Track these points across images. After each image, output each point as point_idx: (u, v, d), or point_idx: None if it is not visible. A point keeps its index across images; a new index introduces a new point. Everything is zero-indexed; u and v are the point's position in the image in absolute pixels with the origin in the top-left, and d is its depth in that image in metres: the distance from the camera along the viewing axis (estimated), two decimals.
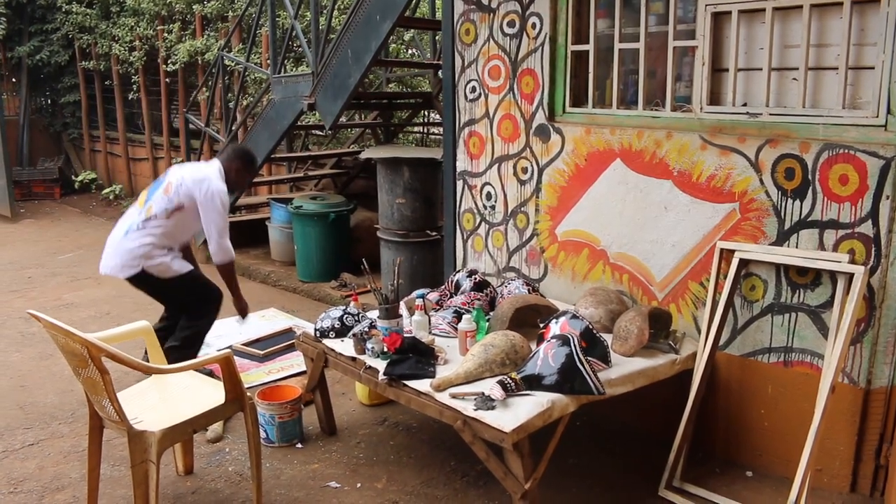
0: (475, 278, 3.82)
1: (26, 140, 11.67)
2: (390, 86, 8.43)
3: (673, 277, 3.48)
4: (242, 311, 4.31)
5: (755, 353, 3.28)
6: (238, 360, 4.48)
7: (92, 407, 2.89)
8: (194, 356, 3.76)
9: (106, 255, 3.90)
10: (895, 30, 2.77)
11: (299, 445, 3.61)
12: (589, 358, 2.83)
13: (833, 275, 3.01)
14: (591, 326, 3.03)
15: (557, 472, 3.27)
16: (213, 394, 2.99)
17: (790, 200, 3.09)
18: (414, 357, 3.09)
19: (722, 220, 3.28)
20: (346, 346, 3.38)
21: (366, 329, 3.33)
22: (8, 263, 7.41)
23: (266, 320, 5.46)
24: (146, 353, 3.32)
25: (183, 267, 4.06)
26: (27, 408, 4.05)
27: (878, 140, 2.85)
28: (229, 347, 4.75)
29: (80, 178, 11.30)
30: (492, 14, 4.02)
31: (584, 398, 2.80)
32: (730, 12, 3.22)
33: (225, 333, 5.15)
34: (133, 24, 9.78)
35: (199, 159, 7.99)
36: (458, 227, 4.45)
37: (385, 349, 3.19)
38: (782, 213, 3.12)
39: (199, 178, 3.89)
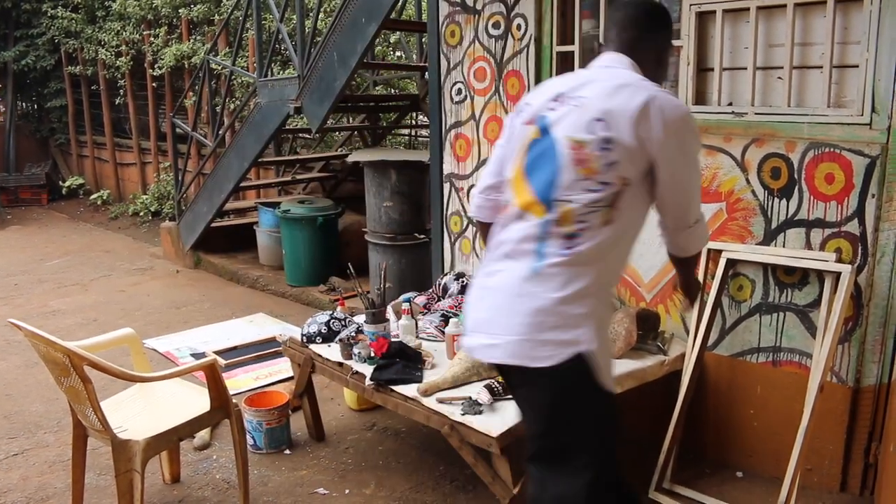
0: (463, 281, 3.81)
1: (13, 146, 11.59)
2: (377, 88, 8.41)
3: (661, 278, 3.47)
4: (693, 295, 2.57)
5: (744, 354, 3.27)
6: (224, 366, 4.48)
7: (75, 416, 2.86)
8: None
9: (490, 321, 2.02)
10: (878, 28, 2.76)
11: (287, 452, 3.58)
12: None
13: (820, 274, 3.00)
14: None
15: None
16: (198, 401, 2.96)
17: (776, 200, 3.09)
18: (401, 362, 3.08)
19: (709, 220, 3.27)
20: (333, 352, 3.36)
21: (353, 334, 3.31)
22: None
23: (254, 325, 5.44)
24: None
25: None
26: (12, 417, 4.01)
27: (864, 138, 2.85)
28: (202, 354, 4.73)
29: (67, 184, 11.22)
30: (477, 15, 4.00)
31: None
32: (714, 12, 3.21)
33: (211, 339, 5.13)
34: (119, 28, 9.72)
35: (185, 164, 7.97)
36: (445, 229, 4.43)
37: (372, 354, 3.17)
38: (769, 213, 3.11)
39: (634, 101, 1.90)
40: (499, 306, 1.99)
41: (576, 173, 1.92)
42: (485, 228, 2.27)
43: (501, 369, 2.15)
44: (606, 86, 1.96)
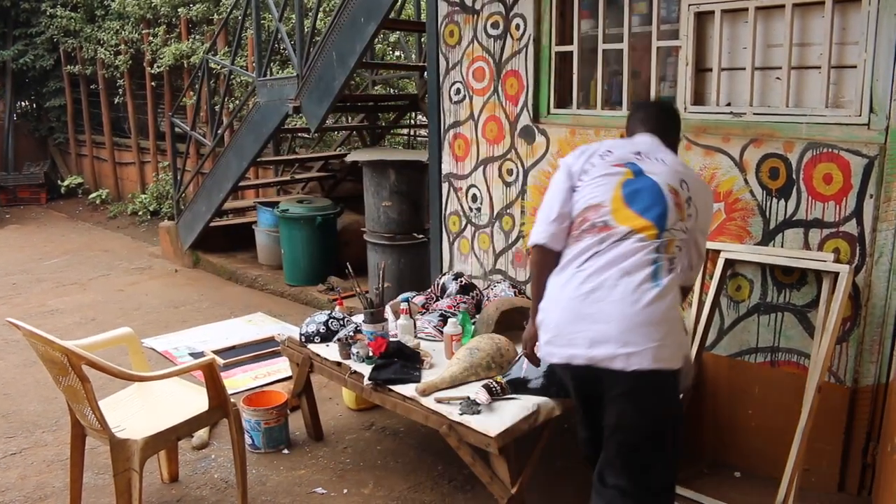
0: (461, 281, 3.81)
1: (11, 145, 11.59)
2: (376, 88, 8.41)
3: None
4: None
5: (742, 354, 3.27)
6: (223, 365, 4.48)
7: (74, 415, 2.86)
8: None
9: (624, 331, 2.20)
10: (876, 28, 2.77)
11: (286, 451, 3.58)
12: None
13: (818, 274, 3.01)
14: None
15: (545, 476, 3.26)
16: (197, 401, 2.96)
17: (775, 200, 3.09)
18: (399, 361, 3.08)
19: None
20: (331, 351, 3.36)
21: (351, 333, 3.31)
22: None
23: (253, 324, 5.44)
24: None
25: None
26: (10, 416, 4.00)
27: (862, 139, 2.85)
28: (201, 353, 4.73)
29: (66, 183, 11.22)
30: (476, 15, 4.00)
31: (570, 401, 2.78)
32: (713, 12, 3.22)
33: (210, 338, 5.13)
34: (118, 27, 9.72)
35: (184, 163, 7.97)
36: (444, 229, 4.43)
37: (370, 354, 3.17)
38: (767, 213, 3.11)
39: (697, 177, 2.56)
40: (631, 317, 2.20)
41: (676, 214, 2.33)
42: (550, 256, 2.42)
43: (600, 377, 2.27)
44: (674, 159, 2.48)
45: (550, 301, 2.36)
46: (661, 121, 2.61)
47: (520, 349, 3.05)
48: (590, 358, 2.23)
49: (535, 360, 2.65)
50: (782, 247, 3.09)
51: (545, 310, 2.37)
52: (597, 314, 2.23)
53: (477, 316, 3.51)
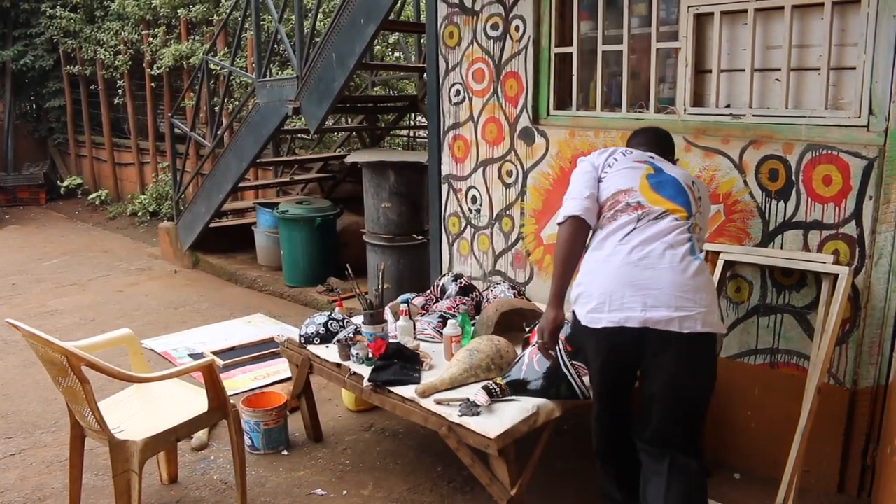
0: (461, 282, 3.81)
1: (11, 145, 11.58)
2: (376, 89, 8.41)
3: None
4: None
5: (741, 355, 3.27)
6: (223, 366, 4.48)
7: (73, 416, 2.86)
8: None
9: (675, 296, 2.33)
10: (876, 30, 2.77)
11: (285, 452, 3.58)
12: (574, 362, 2.82)
13: (818, 276, 3.01)
14: None
15: (544, 477, 3.26)
16: (196, 402, 2.96)
17: (774, 201, 3.09)
18: (399, 363, 3.07)
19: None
20: (330, 352, 3.36)
21: (350, 335, 3.31)
22: None
23: (252, 326, 5.43)
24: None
25: None
26: (9, 417, 4.00)
27: (861, 140, 2.86)
28: (200, 354, 4.73)
29: (65, 184, 11.22)
30: (475, 17, 4.00)
31: (569, 403, 2.79)
32: (712, 14, 3.22)
33: (209, 339, 5.13)
34: (118, 28, 9.72)
35: (184, 164, 7.97)
36: (443, 230, 4.43)
37: (370, 355, 3.17)
38: (767, 215, 3.11)
39: (699, 182, 2.78)
40: (681, 284, 2.35)
41: (694, 205, 2.56)
42: (583, 230, 2.54)
43: (646, 341, 2.37)
44: (681, 170, 2.75)
45: (592, 274, 2.48)
46: (659, 144, 2.84)
47: (519, 350, 3.06)
48: (644, 320, 2.32)
49: (548, 354, 2.68)
50: (782, 248, 3.09)
51: (585, 283, 2.48)
52: (649, 280, 2.35)
53: (476, 317, 3.51)
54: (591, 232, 2.58)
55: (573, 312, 2.55)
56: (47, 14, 10.49)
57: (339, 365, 3.26)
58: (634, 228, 2.45)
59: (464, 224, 4.30)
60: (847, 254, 2.94)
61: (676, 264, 2.37)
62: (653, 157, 2.67)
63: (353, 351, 3.23)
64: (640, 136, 2.89)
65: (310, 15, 5.93)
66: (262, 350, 4.87)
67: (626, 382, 2.60)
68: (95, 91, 10.68)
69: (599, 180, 2.60)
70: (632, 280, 2.37)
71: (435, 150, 4.37)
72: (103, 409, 2.67)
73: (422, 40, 7.04)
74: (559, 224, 2.58)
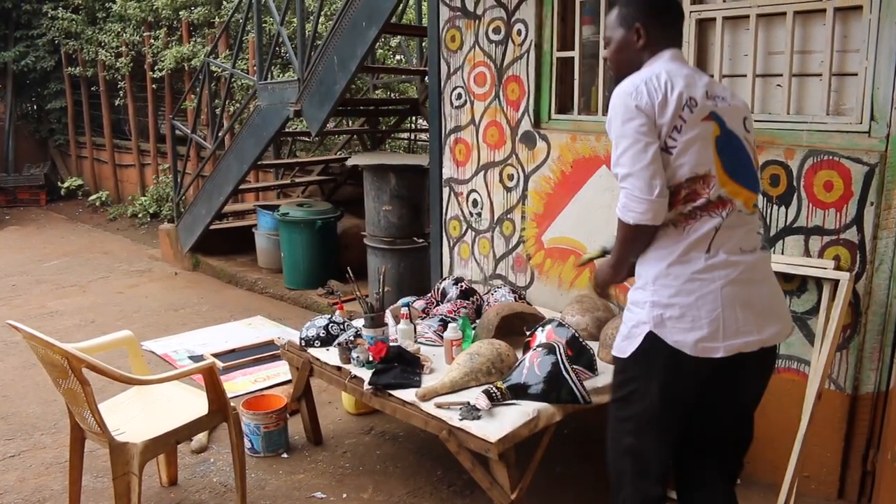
0: (461, 286, 3.81)
1: (11, 146, 11.60)
2: (377, 92, 8.42)
3: None
4: None
5: None
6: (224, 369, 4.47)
7: (73, 418, 2.86)
8: None
9: (757, 316, 2.12)
10: (877, 36, 2.77)
11: (285, 455, 3.58)
12: (575, 366, 2.82)
13: (819, 281, 3.01)
14: (577, 334, 3.02)
15: (545, 481, 3.25)
16: (196, 404, 2.95)
17: (775, 207, 3.09)
18: (399, 366, 3.07)
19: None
20: (331, 355, 3.36)
21: (351, 338, 3.31)
22: None
23: (253, 328, 5.43)
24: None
25: None
26: (9, 418, 4.00)
27: (862, 146, 2.86)
28: (200, 356, 4.73)
29: (66, 185, 11.22)
30: (477, 21, 4.01)
31: (570, 407, 2.78)
32: (714, 19, 3.22)
33: (209, 342, 5.13)
34: (119, 30, 9.74)
35: (185, 166, 7.97)
36: (444, 234, 4.43)
37: (370, 358, 3.16)
38: (768, 220, 3.12)
39: (738, 98, 2.25)
40: (777, 291, 2.21)
41: (756, 165, 2.19)
42: (649, 233, 2.12)
43: (745, 362, 2.14)
44: (724, 89, 2.19)
45: (688, 295, 2.07)
46: (681, 28, 2.31)
47: (520, 354, 3.05)
48: (762, 341, 2.13)
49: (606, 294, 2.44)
50: (783, 254, 3.09)
51: (680, 305, 2.08)
52: (754, 296, 2.11)
53: (477, 321, 3.51)
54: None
55: (648, 337, 2.12)
56: (49, 15, 10.50)
57: (339, 368, 3.26)
58: (717, 233, 2.08)
59: (465, 227, 4.31)
60: (848, 259, 2.94)
61: (767, 268, 2.19)
62: (712, 100, 2.10)
63: (354, 354, 3.23)
64: (666, 16, 2.24)
65: (311, 17, 5.94)
66: (263, 353, 4.87)
67: (701, 404, 2.28)
68: (97, 92, 10.69)
69: (666, 149, 2.05)
70: (741, 299, 2.08)
71: (436, 153, 4.37)
72: (103, 411, 2.67)
73: (423, 44, 7.05)
74: (623, 222, 2.10)
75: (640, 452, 2.23)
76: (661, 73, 2.08)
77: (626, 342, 2.18)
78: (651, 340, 2.12)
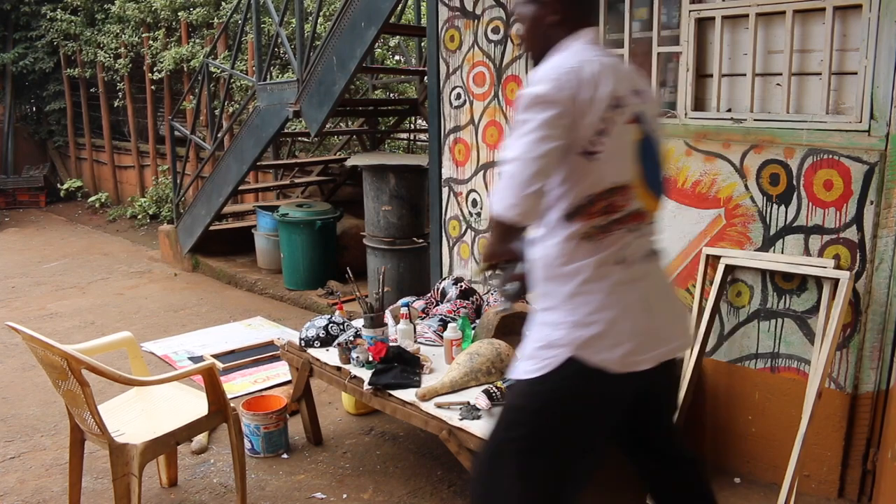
0: (461, 286, 3.80)
1: (10, 148, 11.59)
2: (376, 92, 8.42)
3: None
4: None
5: (742, 359, 3.27)
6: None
7: (73, 419, 2.86)
8: None
9: (669, 323, 2.05)
10: (877, 35, 2.77)
11: (285, 456, 3.57)
12: None
13: (819, 280, 3.01)
14: None
15: None
16: (196, 405, 2.95)
17: (775, 206, 3.09)
18: (399, 366, 3.07)
19: (707, 225, 3.27)
20: (331, 356, 3.36)
21: (351, 338, 3.31)
22: None
23: (252, 329, 5.43)
24: None
25: None
26: (9, 420, 3.99)
27: (862, 145, 2.86)
28: (200, 357, 4.73)
29: (65, 186, 11.22)
30: (476, 20, 4.01)
31: None
32: (713, 18, 3.22)
33: (209, 343, 5.13)
34: (118, 31, 9.73)
35: (184, 167, 7.97)
36: (444, 234, 4.43)
37: (370, 358, 3.16)
38: (767, 219, 3.11)
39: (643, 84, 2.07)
40: (675, 299, 2.14)
41: (664, 169, 2.06)
42: (515, 232, 1.99)
43: (661, 370, 2.03)
44: (637, 78, 2.01)
45: (607, 310, 1.91)
46: (597, 5, 2.16)
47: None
48: (672, 350, 2.04)
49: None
50: (782, 253, 3.09)
51: (601, 322, 1.90)
52: (661, 307, 2.00)
53: (477, 321, 3.51)
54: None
55: (573, 359, 1.91)
56: (48, 17, 10.50)
57: (339, 368, 3.26)
58: (626, 245, 1.94)
59: (464, 227, 4.30)
60: (848, 258, 2.94)
61: (664, 278, 2.09)
62: (636, 95, 1.94)
63: (354, 354, 3.23)
64: None
65: (310, 18, 5.93)
66: (262, 353, 4.87)
67: (631, 411, 2.14)
68: (96, 94, 10.70)
69: (589, 154, 1.84)
70: (653, 313, 1.97)
71: (435, 153, 4.37)
72: (103, 413, 2.67)
73: (422, 44, 7.05)
74: (495, 216, 1.94)
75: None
76: (590, 63, 1.86)
77: (531, 362, 1.96)
78: (570, 365, 1.91)
